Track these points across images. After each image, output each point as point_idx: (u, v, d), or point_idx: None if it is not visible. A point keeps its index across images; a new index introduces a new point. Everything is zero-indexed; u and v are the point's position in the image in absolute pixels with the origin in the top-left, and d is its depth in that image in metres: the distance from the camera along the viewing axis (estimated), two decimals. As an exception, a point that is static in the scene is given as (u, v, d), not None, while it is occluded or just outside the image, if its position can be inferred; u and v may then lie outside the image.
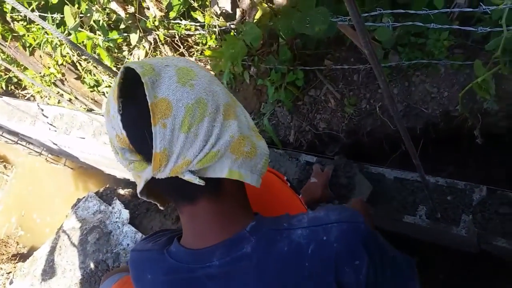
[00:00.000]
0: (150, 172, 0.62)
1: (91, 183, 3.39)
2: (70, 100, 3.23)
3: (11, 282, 2.51)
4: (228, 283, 0.67)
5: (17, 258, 3.16)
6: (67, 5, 2.00)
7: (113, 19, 2.17)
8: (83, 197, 2.62)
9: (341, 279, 0.64)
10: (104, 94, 3.13)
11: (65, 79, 3.07)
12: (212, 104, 0.63)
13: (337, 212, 0.69)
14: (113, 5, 1.85)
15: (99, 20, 2.11)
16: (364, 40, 0.62)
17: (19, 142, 3.28)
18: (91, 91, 3.12)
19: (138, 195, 0.71)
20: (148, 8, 1.97)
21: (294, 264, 0.65)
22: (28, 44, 2.93)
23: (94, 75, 3.04)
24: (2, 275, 2.78)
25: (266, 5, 1.78)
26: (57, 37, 2.69)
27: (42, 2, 2.49)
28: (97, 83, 3.06)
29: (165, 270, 0.73)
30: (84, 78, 3.04)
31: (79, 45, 2.70)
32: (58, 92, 3.26)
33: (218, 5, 1.76)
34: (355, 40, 1.87)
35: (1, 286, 2.64)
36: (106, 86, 3.06)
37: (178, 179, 0.62)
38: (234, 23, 1.81)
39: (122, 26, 2.25)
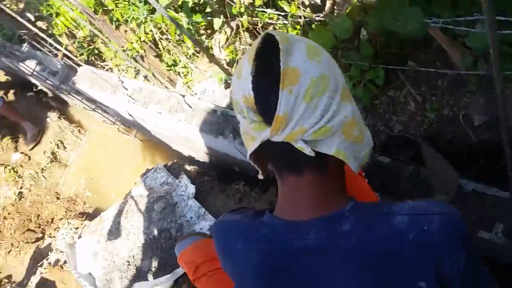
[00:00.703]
0: (267, 133, 0.67)
1: (158, 156, 3.55)
2: (146, 76, 3.39)
3: (79, 237, 2.72)
4: (323, 258, 0.71)
5: (84, 217, 3.41)
6: (162, -16, 2.08)
7: (200, 2, 2.24)
8: (152, 168, 2.76)
9: (440, 270, 0.66)
10: (179, 74, 3.26)
11: (145, 55, 3.22)
12: (333, 82, 0.67)
13: (439, 204, 0.71)
14: (208, -12, 1.92)
15: (188, 2, 2.19)
16: (493, 43, 0.61)
17: (96, 109, 3.50)
18: (168, 70, 3.26)
19: (247, 157, 0.77)
20: (237, -6, 2.02)
21: (395, 248, 0.68)
22: (115, 19, 3.09)
23: (172, 55, 3.17)
24: (71, 229, 3.01)
25: (356, 0, 1.77)
26: (143, 15, 2.83)
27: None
28: (175, 63, 3.19)
29: (258, 239, 0.77)
30: (163, 56, 3.17)
31: (162, 23, 2.83)
32: (136, 68, 3.43)
33: (308, -4, 1.77)
34: (444, 44, 1.82)
35: (70, 238, 2.86)
36: (182, 67, 3.18)
37: (290, 146, 0.67)
38: (321, 15, 1.81)
39: (208, 10, 2.32)
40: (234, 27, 2.29)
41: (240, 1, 1.99)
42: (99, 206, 3.56)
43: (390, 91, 2.00)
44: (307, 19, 1.90)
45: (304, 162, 0.71)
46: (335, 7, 1.75)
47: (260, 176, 0.83)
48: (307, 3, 1.80)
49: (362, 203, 0.74)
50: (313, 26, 1.99)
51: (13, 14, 2.52)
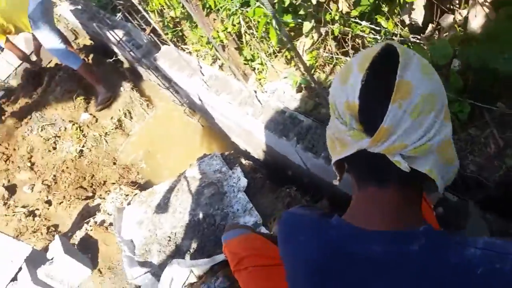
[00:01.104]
0: (366, 143, 0.67)
1: (215, 144, 3.63)
2: (221, 65, 3.48)
3: (129, 203, 2.82)
4: (383, 271, 0.69)
5: (135, 186, 3.53)
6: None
7: (297, 3, 2.26)
8: (209, 154, 2.82)
9: None
10: (254, 70, 3.31)
11: (227, 46, 3.30)
12: (439, 101, 0.68)
13: None
14: (310, -10, 1.93)
15: (285, 1, 2.21)
16: None
17: (169, 88, 3.63)
18: (244, 64, 3.31)
19: (332, 161, 0.77)
20: (335, 1, 2.02)
21: (460, 280, 0.65)
22: (207, 6, 3.19)
23: (252, 50, 3.22)
24: (121, 195, 3.14)
25: (459, 29, 1.71)
26: (236, 6, 2.90)
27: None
28: (252, 58, 3.24)
29: (321, 236, 0.78)
30: (243, 50, 3.23)
31: (251, 18, 2.89)
32: (214, 56, 3.52)
33: (409, 16, 1.73)
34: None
35: (120, 203, 2.97)
36: (259, 63, 3.22)
37: (382, 159, 0.67)
38: (419, 37, 1.77)
39: (301, 12, 2.33)
40: (323, 33, 2.28)
41: (337, 9, 1.98)
42: (151, 179, 3.69)
43: (472, 129, 1.92)
44: (402, 38, 1.86)
45: (392, 176, 0.71)
46: (436, 32, 1.70)
47: (336, 182, 0.83)
48: (407, 22, 1.77)
49: (436, 229, 0.72)
50: (405, 46, 1.95)
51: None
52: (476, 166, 1.86)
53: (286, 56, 2.97)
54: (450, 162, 0.72)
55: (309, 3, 2.18)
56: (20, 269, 2.47)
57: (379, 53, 0.68)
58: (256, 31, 2.98)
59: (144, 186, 3.47)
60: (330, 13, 2.08)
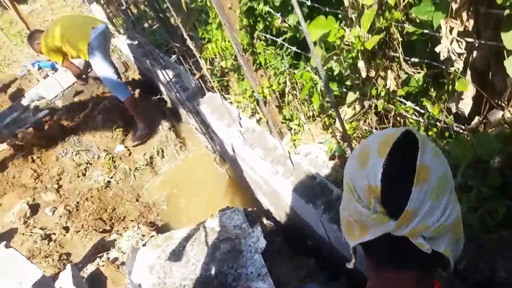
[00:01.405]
0: (390, 227, 0.68)
1: (238, 198, 3.58)
2: (259, 120, 3.51)
3: (144, 244, 2.77)
4: None
5: (153, 227, 3.49)
6: (321, 48, 2.14)
7: (345, 74, 2.27)
8: (232, 208, 2.77)
9: None
10: (290, 130, 3.31)
11: (269, 102, 3.34)
12: (449, 182, 0.71)
13: None
14: (360, 64, 1.94)
15: (334, 69, 2.23)
16: None
17: (205, 134, 3.67)
18: (282, 123, 3.33)
19: (351, 245, 0.77)
20: (384, 78, 2.01)
21: None
22: (258, 62, 3.28)
23: (292, 110, 3.24)
24: (138, 234, 3.10)
25: (505, 126, 1.65)
26: (285, 66, 2.96)
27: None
28: (291, 118, 3.25)
29: None
30: (283, 108, 3.26)
31: (298, 81, 2.93)
32: (253, 109, 3.57)
33: (456, 104, 1.69)
34: None
35: (135, 242, 2.93)
36: (296, 124, 3.23)
37: (402, 242, 0.68)
38: (463, 127, 1.71)
39: (347, 82, 2.33)
40: (366, 107, 2.26)
41: (384, 85, 1.97)
42: (169, 223, 3.65)
43: (503, 232, 1.80)
44: (446, 125, 1.81)
45: (410, 258, 0.72)
46: (482, 125, 1.64)
47: (351, 266, 0.83)
48: (453, 110, 1.72)
49: None
50: (447, 133, 1.90)
51: (184, 34, 2.81)
52: (506, 272, 1.73)
53: (324, 122, 2.96)
54: (460, 240, 0.74)
55: (357, 76, 2.18)
56: (25, 293, 2.42)
57: (400, 138, 0.70)
58: (299, 93, 3.01)
59: (161, 229, 3.42)
60: (377, 88, 2.07)
